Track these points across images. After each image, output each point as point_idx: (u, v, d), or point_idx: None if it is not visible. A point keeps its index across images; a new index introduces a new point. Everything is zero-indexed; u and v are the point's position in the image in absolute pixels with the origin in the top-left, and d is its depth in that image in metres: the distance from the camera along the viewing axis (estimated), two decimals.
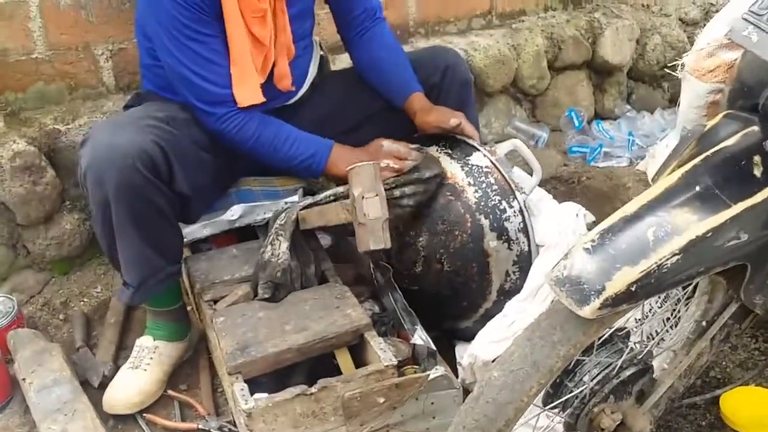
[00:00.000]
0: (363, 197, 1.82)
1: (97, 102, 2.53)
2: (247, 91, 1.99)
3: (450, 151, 2.06)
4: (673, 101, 3.65)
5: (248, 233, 2.27)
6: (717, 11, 3.64)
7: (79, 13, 2.44)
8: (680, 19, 3.65)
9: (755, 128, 1.41)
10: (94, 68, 2.53)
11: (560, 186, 2.97)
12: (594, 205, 2.11)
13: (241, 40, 1.96)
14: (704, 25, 3.66)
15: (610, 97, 3.55)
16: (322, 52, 2.36)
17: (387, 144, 2.04)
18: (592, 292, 1.21)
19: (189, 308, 2.29)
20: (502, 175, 1.99)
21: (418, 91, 2.18)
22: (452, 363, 2.02)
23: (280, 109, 2.15)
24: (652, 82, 3.66)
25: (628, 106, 3.52)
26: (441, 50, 2.45)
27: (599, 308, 1.20)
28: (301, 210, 1.99)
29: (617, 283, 1.20)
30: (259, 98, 2.00)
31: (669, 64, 2.64)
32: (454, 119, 2.07)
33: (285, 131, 2.04)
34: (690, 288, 1.64)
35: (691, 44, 3.52)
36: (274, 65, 2.07)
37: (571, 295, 1.23)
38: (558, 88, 3.39)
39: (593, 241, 1.26)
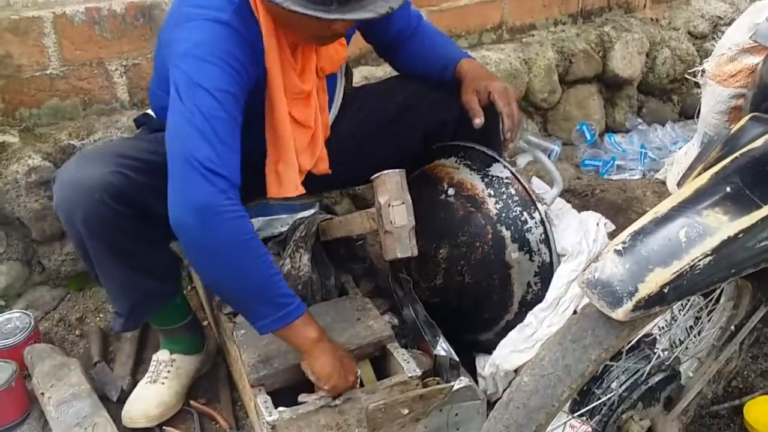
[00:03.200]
0: (390, 205, 1.78)
1: (111, 117, 2.52)
2: (287, 185, 1.85)
3: (469, 162, 2.04)
4: (683, 114, 3.66)
5: None
6: (725, 25, 3.67)
7: (93, 29, 2.44)
8: (689, 33, 3.66)
9: None
10: (108, 84, 2.53)
11: (574, 199, 2.96)
12: (608, 217, 2.09)
13: (284, 125, 1.81)
14: (713, 38, 3.68)
15: (621, 110, 3.55)
16: (345, 84, 2.19)
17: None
18: (625, 294, 1.19)
19: (205, 323, 2.28)
20: (523, 186, 1.96)
21: (466, 58, 2.09)
22: (472, 376, 2.00)
23: None
24: (662, 95, 3.66)
25: (639, 120, 3.52)
26: None
27: (632, 310, 1.18)
28: (321, 221, 1.97)
29: (650, 285, 1.18)
30: (298, 191, 1.86)
31: (689, 71, 2.62)
32: (477, 120, 1.95)
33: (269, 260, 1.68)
34: (713, 296, 1.63)
35: (701, 57, 3.54)
36: None
37: (603, 297, 1.21)
38: (569, 101, 3.39)
39: (624, 242, 1.24)
